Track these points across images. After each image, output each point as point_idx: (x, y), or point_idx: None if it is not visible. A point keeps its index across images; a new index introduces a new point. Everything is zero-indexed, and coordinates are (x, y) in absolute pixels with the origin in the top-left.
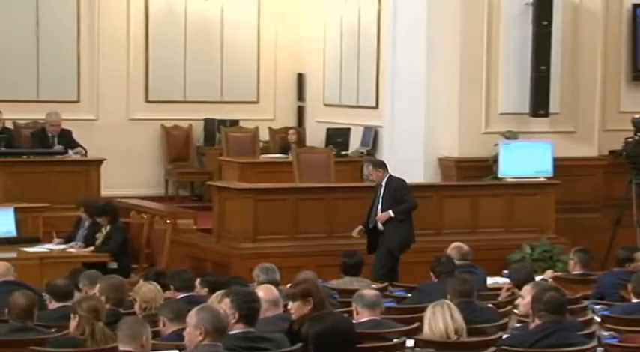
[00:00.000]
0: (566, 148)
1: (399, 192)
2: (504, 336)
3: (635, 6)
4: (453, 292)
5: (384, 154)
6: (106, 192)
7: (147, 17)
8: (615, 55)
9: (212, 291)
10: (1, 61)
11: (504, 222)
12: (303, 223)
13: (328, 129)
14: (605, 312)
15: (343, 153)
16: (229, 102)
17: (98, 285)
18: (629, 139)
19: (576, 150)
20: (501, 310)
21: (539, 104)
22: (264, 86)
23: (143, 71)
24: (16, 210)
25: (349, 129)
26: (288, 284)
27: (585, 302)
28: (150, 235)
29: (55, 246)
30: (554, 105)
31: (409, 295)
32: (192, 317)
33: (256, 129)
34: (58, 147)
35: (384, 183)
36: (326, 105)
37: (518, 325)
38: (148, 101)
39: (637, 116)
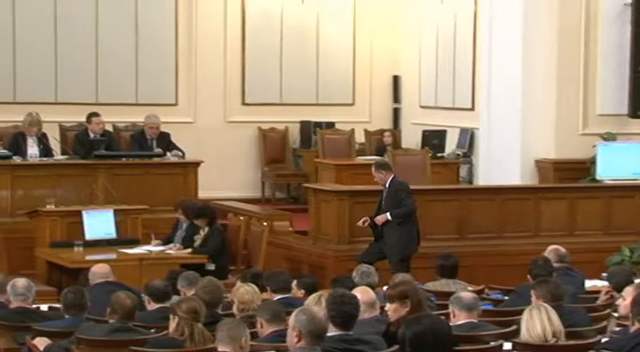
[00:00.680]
0: None
1: (399, 195)
2: (603, 340)
3: None
4: (546, 295)
5: (481, 156)
6: (203, 194)
7: (243, 21)
8: None
9: (308, 293)
10: (102, 66)
11: (602, 224)
12: None
13: (424, 131)
14: None
15: (439, 155)
16: (325, 105)
17: (196, 287)
18: None
19: None
20: (600, 313)
21: (638, 105)
22: (360, 88)
23: (240, 74)
24: (115, 212)
25: (445, 131)
26: (385, 287)
27: None
28: (247, 237)
29: (153, 248)
30: None
31: (506, 298)
32: (291, 319)
33: (352, 131)
34: (156, 150)
35: (387, 185)
36: (422, 107)
37: (617, 329)
38: (244, 104)
39: None
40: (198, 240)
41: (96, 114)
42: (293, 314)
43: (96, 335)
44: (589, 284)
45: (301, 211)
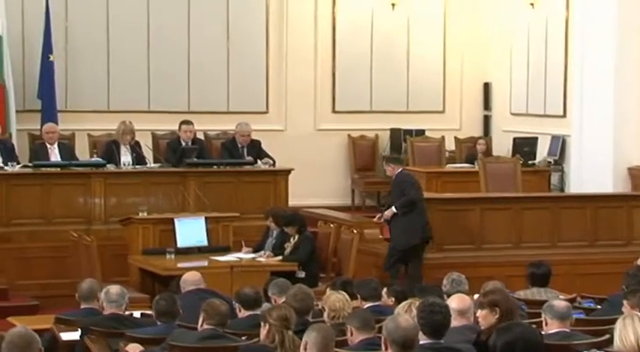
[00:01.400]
0: None
1: (401, 185)
2: None
3: None
4: (639, 304)
5: (572, 164)
6: (293, 201)
7: (334, 29)
8: None
9: (398, 301)
10: (193, 74)
11: None
12: (490, 233)
13: (515, 139)
14: None
15: (530, 162)
16: (415, 112)
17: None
18: None
19: None
20: None
21: None
22: (450, 95)
23: (330, 82)
24: (206, 219)
25: (536, 138)
26: (476, 295)
27: None
28: (337, 245)
29: (244, 255)
30: None
31: (599, 307)
32: (383, 327)
33: (442, 138)
34: (247, 158)
35: (394, 178)
36: (513, 114)
37: None
38: (334, 111)
39: None
40: (288, 247)
41: (186, 123)
42: (384, 322)
43: (187, 342)
44: None
45: None
